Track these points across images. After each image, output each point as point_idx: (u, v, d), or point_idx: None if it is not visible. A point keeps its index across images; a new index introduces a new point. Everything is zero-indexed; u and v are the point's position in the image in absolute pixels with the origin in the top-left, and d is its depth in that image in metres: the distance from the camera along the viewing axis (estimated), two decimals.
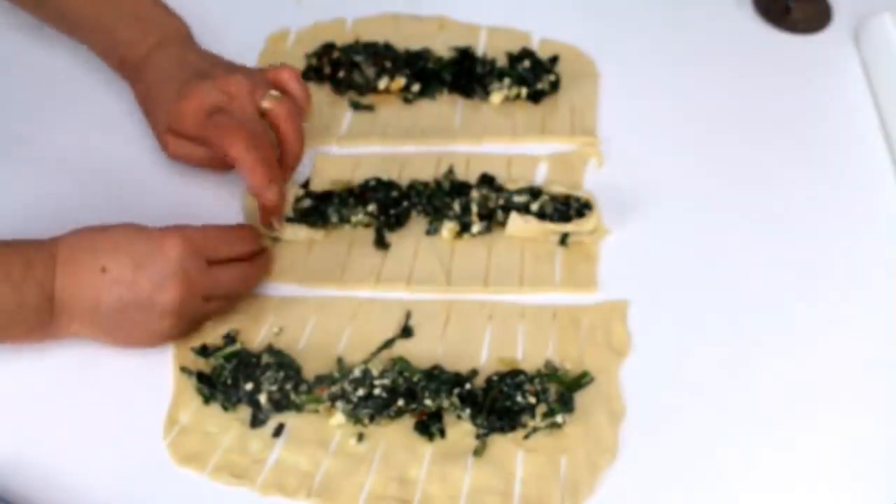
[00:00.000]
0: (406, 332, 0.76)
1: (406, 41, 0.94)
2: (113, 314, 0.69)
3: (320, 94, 0.91)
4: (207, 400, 0.71)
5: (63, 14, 0.86)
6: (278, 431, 0.70)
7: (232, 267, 0.74)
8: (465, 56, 0.93)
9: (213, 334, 0.74)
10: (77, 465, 0.68)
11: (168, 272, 0.69)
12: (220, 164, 0.81)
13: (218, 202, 0.82)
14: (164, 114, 0.79)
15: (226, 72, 0.79)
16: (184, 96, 0.78)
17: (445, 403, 0.71)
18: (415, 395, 0.71)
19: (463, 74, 0.92)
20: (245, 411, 0.71)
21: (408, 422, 0.71)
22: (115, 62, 0.85)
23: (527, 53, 0.93)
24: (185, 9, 0.86)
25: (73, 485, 0.67)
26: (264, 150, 0.75)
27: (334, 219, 0.81)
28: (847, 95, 0.95)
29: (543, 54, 0.94)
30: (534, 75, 0.92)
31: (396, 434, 0.70)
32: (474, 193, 0.82)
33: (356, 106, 0.91)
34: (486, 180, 0.84)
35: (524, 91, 0.91)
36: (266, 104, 0.78)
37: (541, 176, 0.86)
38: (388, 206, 0.82)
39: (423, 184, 0.84)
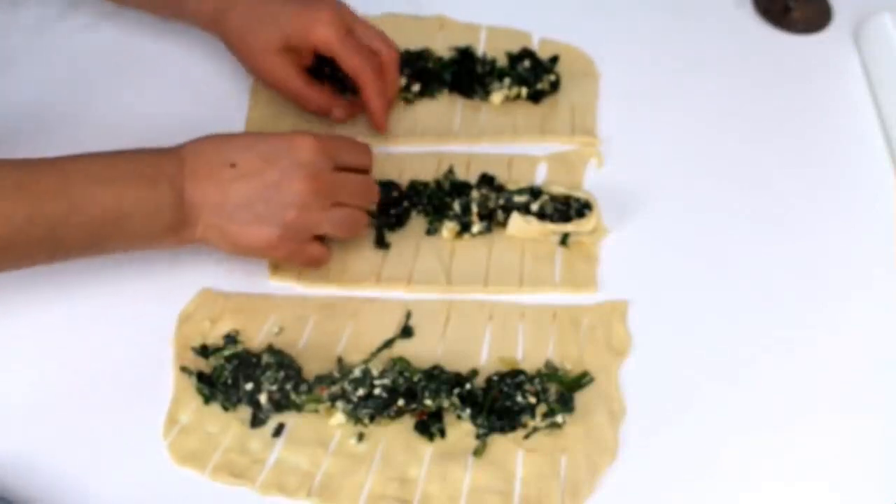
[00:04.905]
0: (406, 332, 0.76)
1: (406, 41, 0.94)
2: (238, 210, 0.70)
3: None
4: (207, 400, 0.71)
5: None
6: (278, 431, 0.70)
7: (357, 175, 0.75)
8: (465, 56, 0.93)
9: (213, 334, 0.75)
10: (77, 464, 0.68)
11: (297, 164, 0.71)
12: (306, 94, 0.84)
13: None
14: (277, 31, 0.80)
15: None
16: (316, 8, 0.81)
17: (445, 403, 0.71)
18: (415, 395, 0.71)
19: (463, 74, 0.92)
20: (245, 411, 0.71)
21: (408, 422, 0.71)
22: (191, 12, 0.84)
23: (527, 53, 0.93)
24: None
25: (73, 484, 0.67)
26: (383, 81, 0.84)
27: None
28: (847, 95, 0.95)
29: (543, 54, 0.94)
30: (534, 75, 0.92)
31: (396, 434, 0.70)
32: (474, 193, 0.82)
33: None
34: (486, 180, 0.84)
35: (524, 91, 0.91)
36: (377, 45, 0.84)
37: (541, 176, 0.86)
38: (388, 206, 0.82)
39: (423, 184, 0.84)
